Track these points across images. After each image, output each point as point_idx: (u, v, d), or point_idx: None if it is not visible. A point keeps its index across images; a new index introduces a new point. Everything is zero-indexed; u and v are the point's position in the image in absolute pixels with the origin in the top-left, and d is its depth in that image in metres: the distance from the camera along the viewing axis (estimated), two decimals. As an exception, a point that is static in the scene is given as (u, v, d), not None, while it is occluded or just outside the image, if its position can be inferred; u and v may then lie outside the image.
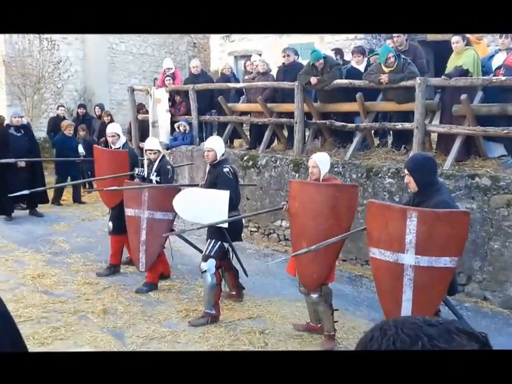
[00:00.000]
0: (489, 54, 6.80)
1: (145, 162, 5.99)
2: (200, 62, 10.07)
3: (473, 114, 5.97)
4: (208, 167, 5.29)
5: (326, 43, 11.92)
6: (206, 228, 5.17)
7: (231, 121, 8.69)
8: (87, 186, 10.02)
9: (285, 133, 8.34)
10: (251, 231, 7.86)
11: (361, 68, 7.58)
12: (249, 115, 8.56)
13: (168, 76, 9.40)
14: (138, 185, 5.83)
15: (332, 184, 4.54)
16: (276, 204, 6.49)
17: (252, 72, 9.02)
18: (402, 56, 6.57)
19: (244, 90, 8.84)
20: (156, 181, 5.76)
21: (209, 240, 5.10)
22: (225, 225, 4.91)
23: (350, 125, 7.15)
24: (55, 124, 10.78)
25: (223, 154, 5.25)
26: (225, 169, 5.05)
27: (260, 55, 9.85)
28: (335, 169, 6.70)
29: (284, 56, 8.13)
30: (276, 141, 8.64)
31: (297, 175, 7.14)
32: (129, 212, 5.70)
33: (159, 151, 5.80)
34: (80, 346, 4.39)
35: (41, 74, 12.66)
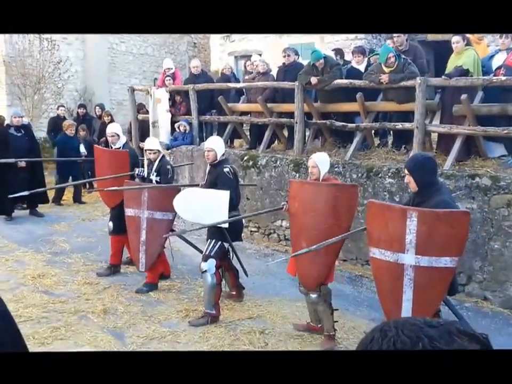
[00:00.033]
0: (489, 54, 6.80)
1: (145, 162, 5.99)
2: (200, 62, 10.07)
3: (473, 114, 5.97)
4: (208, 167, 5.29)
5: (326, 43, 11.92)
6: (206, 228, 5.17)
7: (231, 121, 8.69)
8: (87, 186, 10.03)
9: (285, 133, 8.34)
10: (251, 231, 7.86)
11: (362, 68, 7.59)
12: (249, 115, 8.56)
13: (168, 76, 9.40)
14: (138, 185, 5.83)
15: (331, 184, 4.55)
16: (276, 204, 6.49)
17: (252, 72, 9.02)
18: (403, 56, 6.57)
19: (244, 90, 8.85)
20: (156, 181, 5.76)
21: (209, 240, 5.10)
22: (226, 225, 4.91)
23: (350, 125, 7.15)
24: (55, 124, 10.78)
25: (223, 154, 5.25)
26: (226, 169, 5.05)
27: (260, 55, 9.86)
28: (336, 169, 6.70)
29: (284, 56, 8.14)
30: (276, 141, 8.64)
31: (297, 175, 7.14)
32: (129, 212, 5.70)
33: (158, 151, 5.80)
34: (80, 346, 4.40)
35: (41, 74, 12.67)
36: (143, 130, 9.76)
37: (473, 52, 6.23)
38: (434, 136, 6.96)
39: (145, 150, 5.91)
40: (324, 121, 7.42)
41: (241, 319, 5.05)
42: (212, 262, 4.98)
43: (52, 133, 10.82)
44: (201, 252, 5.46)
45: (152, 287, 5.74)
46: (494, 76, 6.02)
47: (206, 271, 4.97)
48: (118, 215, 6.02)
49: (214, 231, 5.02)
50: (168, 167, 5.83)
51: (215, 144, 5.19)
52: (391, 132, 7.50)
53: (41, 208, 8.80)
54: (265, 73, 8.29)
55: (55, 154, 10.51)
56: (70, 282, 5.89)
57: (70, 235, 7.70)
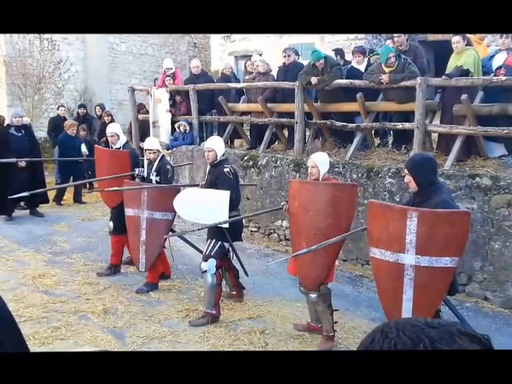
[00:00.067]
0: (489, 54, 6.81)
1: (145, 162, 5.99)
2: (200, 62, 10.07)
3: (473, 114, 5.97)
4: (208, 167, 5.29)
5: (326, 43, 11.92)
6: (206, 228, 5.17)
7: (231, 121, 8.69)
8: (87, 186, 10.03)
9: (285, 133, 8.34)
10: (251, 231, 7.86)
11: (362, 68, 7.58)
12: (249, 115, 8.56)
13: (168, 76, 9.40)
14: (138, 185, 5.83)
15: (331, 184, 4.54)
16: (276, 204, 6.49)
17: (252, 72, 9.02)
18: (403, 56, 6.57)
19: (244, 90, 8.85)
20: (156, 181, 5.76)
21: (209, 240, 5.10)
22: (226, 225, 4.91)
23: (350, 125, 7.15)
24: (55, 124, 10.79)
25: (223, 154, 5.25)
26: (226, 169, 5.05)
27: (261, 55, 9.83)
28: (336, 169, 6.70)
29: (285, 56, 8.13)
30: (276, 141, 8.64)
31: (297, 175, 7.14)
32: (129, 212, 5.71)
33: (158, 150, 5.80)
34: (81, 346, 4.39)
35: (41, 74, 12.67)
36: (143, 130, 9.76)
37: (473, 51, 6.23)
38: (434, 136, 6.96)
39: (145, 150, 5.91)
40: (324, 121, 7.42)
41: (241, 319, 5.05)
42: (212, 262, 4.98)
43: (52, 133, 10.83)
44: (201, 252, 5.46)
45: (152, 287, 5.75)
46: (494, 75, 6.02)
47: (206, 271, 4.97)
48: (118, 215, 6.02)
49: (214, 231, 5.02)
50: (168, 167, 5.83)
51: (215, 144, 5.19)
52: (391, 132, 7.50)
53: (41, 208, 8.81)
54: (265, 73, 8.29)
55: (55, 154, 10.53)
56: (70, 282, 5.89)
57: (70, 235, 7.71)
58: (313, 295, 4.48)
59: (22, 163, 8.16)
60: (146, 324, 4.88)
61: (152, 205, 5.57)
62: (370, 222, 3.95)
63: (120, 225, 5.95)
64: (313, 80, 7.17)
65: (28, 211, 8.71)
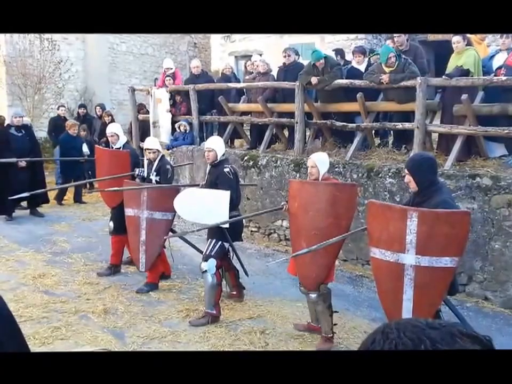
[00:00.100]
0: (489, 54, 6.81)
1: (145, 162, 5.99)
2: (200, 62, 10.07)
3: (474, 114, 5.97)
4: (208, 167, 5.29)
5: (326, 43, 11.92)
6: (207, 228, 5.17)
7: (231, 121, 8.69)
8: (88, 186, 10.03)
9: (286, 133, 8.33)
10: (252, 231, 7.86)
11: (362, 68, 7.58)
12: (249, 115, 8.56)
13: (168, 75, 9.40)
14: (138, 185, 5.83)
15: (331, 184, 4.54)
16: (276, 204, 6.49)
17: (252, 72, 9.02)
18: (403, 56, 6.57)
19: (244, 90, 8.85)
20: (156, 181, 5.76)
21: (209, 240, 5.10)
22: (226, 225, 4.91)
23: (350, 125, 7.15)
24: (55, 124, 10.79)
25: (223, 154, 5.25)
26: (226, 169, 5.05)
27: (261, 55, 9.84)
28: (336, 169, 6.70)
29: (285, 56, 8.13)
30: (276, 141, 8.63)
31: (297, 175, 7.14)
32: (129, 212, 5.71)
33: (158, 150, 5.80)
34: (81, 346, 4.40)
35: (42, 74, 12.67)
36: (144, 130, 9.76)
37: (473, 51, 6.23)
38: (434, 136, 6.96)
39: (145, 150, 5.91)
40: (324, 121, 7.42)
41: (241, 319, 5.05)
42: (212, 262, 4.98)
43: (53, 133, 10.83)
44: (201, 252, 5.46)
45: (152, 287, 5.75)
46: (495, 75, 6.02)
47: (206, 271, 4.97)
48: (118, 215, 6.02)
49: (214, 231, 5.02)
50: (168, 166, 5.83)
51: (216, 144, 5.19)
52: (392, 132, 7.50)
53: (41, 208, 8.81)
54: (265, 73, 8.29)
55: (55, 154, 10.53)
56: (71, 282, 5.90)
57: (70, 235, 7.71)
58: (313, 295, 4.47)
59: (22, 163, 8.16)
60: (146, 324, 4.88)
61: (152, 205, 5.57)
62: (371, 222, 3.95)
63: (120, 225, 5.95)
64: (314, 80, 7.17)
65: (28, 211, 8.71)
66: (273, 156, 7.70)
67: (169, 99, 9.34)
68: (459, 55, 6.28)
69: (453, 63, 6.34)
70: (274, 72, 8.37)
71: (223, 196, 4.85)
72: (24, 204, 8.62)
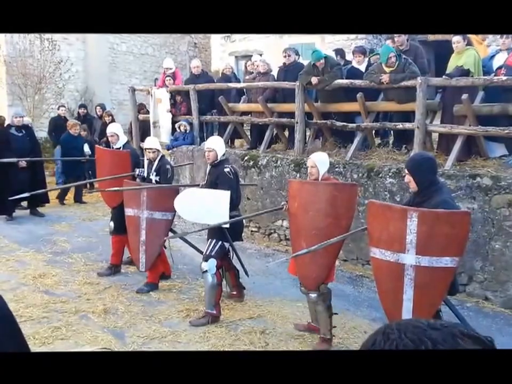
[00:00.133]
0: (490, 54, 6.81)
1: (145, 162, 5.99)
2: (201, 62, 10.07)
3: (474, 114, 5.97)
4: (208, 167, 5.29)
5: (326, 43, 11.92)
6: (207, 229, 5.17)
7: (231, 121, 8.69)
8: (88, 186, 10.03)
9: (286, 133, 8.33)
10: (252, 231, 7.86)
11: (362, 67, 7.59)
12: (250, 115, 8.56)
13: (168, 75, 9.41)
14: (138, 185, 5.83)
15: (330, 184, 4.54)
16: (276, 204, 6.49)
17: (252, 72, 9.02)
18: (403, 56, 6.57)
19: (244, 90, 8.85)
20: (156, 181, 5.77)
21: (209, 240, 5.10)
22: (226, 225, 4.91)
23: (350, 125, 7.15)
24: (56, 124, 10.80)
25: (223, 154, 5.25)
26: (226, 169, 5.05)
27: (261, 55, 9.84)
28: (336, 169, 6.70)
29: (285, 56, 8.13)
30: (277, 141, 8.63)
31: (298, 175, 7.14)
32: (129, 212, 5.71)
33: (158, 150, 5.80)
34: (81, 346, 4.40)
35: (42, 74, 12.67)
36: (144, 130, 9.76)
37: (473, 51, 6.23)
38: (435, 136, 6.96)
39: (145, 149, 5.92)
40: (325, 121, 7.41)
41: (241, 319, 5.05)
42: (213, 262, 4.98)
43: (53, 133, 10.83)
44: (201, 252, 5.46)
45: (152, 287, 5.75)
46: (495, 75, 6.02)
47: (206, 271, 4.97)
48: (118, 215, 6.02)
49: (215, 231, 5.02)
50: (168, 166, 5.83)
51: (216, 144, 5.19)
52: (392, 132, 7.50)
53: (42, 208, 8.81)
54: (265, 73, 8.29)
55: (55, 154, 10.54)
56: (71, 282, 5.90)
57: (70, 235, 7.71)
58: (313, 295, 4.47)
59: (23, 163, 8.16)
60: (146, 324, 4.88)
61: (152, 205, 5.57)
62: (371, 222, 3.95)
63: (120, 225, 5.96)
64: (314, 80, 7.17)
65: (28, 211, 8.71)
66: (273, 156, 7.71)
67: (170, 99, 9.35)
68: (459, 55, 6.28)
69: (453, 63, 6.34)
70: (275, 72, 8.37)
71: (223, 196, 4.85)
72: (24, 203, 8.62)
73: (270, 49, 11.85)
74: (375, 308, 4.95)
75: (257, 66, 8.60)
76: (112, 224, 6.24)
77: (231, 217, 4.91)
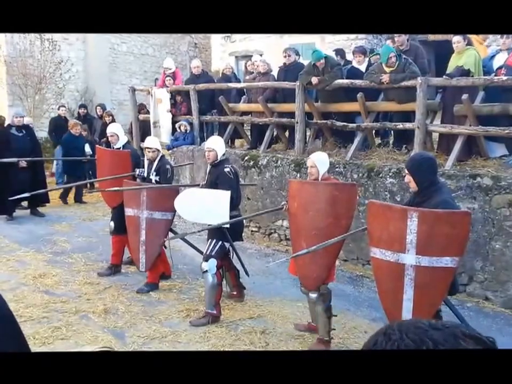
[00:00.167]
0: (490, 54, 6.81)
1: (146, 162, 6.00)
2: (201, 62, 10.07)
3: (474, 114, 5.97)
4: (209, 167, 5.29)
5: (327, 43, 11.92)
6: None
7: (232, 121, 8.69)
8: (88, 186, 10.03)
9: (286, 133, 8.33)
10: (252, 231, 7.86)
11: (362, 67, 7.59)
12: (250, 115, 8.56)
13: (168, 76, 9.41)
14: (138, 185, 5.83)
15: (330, 183, 4.53)
16: (277, 204, 6.49)
17: (252, 72, 9.02)
18: (404, 56, 6.57)
19: (244, 90, 8.85)
20: (155, 181, 5.77)
21: (210, 239, 5.10)
22: (227, 225, 4.91)
23: (351, 125, 7.15)
24: (56, 124, 10.80)
25: (224, 154, 5.25)
26: (226, 169, 5.05)
27: (261, 55, 9.84)
28: (336, 169, 6.70)
29: (285, 56, 8.13)
30: (277, 141, 8.63)
31: (298, 175, 7.14)
32: (128, 212, 5.71)
33: (157, 150, 5.80)
34: (81, 346, 4.40)
35: (42, 74, 12.68)
36: (144, 130, 9.76)
37: (474, 51, 6.23)
38: (435, 136, 6.96)
39: (145, 148, 5.92)
40: (325, 121, 7.41)
41: (242, 319, 5.05)
42: (213, 262, 4.98)
43: (53, 133, 10.84)
44: (201, 253, 5.46)
45: (153, 287, 5.75)
46: (495, 75, 6.02)
47: (207, 271, 4.97)
48: (119, 215, 6.02)
49: (215, 231, 5.02)
50: (168, 166, 5.83)
51: (216, 144, 5.19)
52: (392, 132, 7.50)
53: (42, 208, 8.81)
54: (266, 73, 8.29)
55: (55, 154, 10.54)
56: (71, 282, 5.90)
57: (71, 235, 7.71)
58: (313, 295, 4.46)
59: (23, 163, 8.16)
60: (147, 324, 4.88)
61: (152, 205, 5.57)
62: (371, 222, 3.95)
63: (121, 225, 5.96)
64: (314, 80, 7.17)
65: (28, 211, 8.71)
66: (273, 155, 7.70)
67: (170, 99, 9.35)
68: (459, 55, 6.28)
69: (453, 63, 6.33)
70: (275, 72, 8.37)
71: (224, 196, 4.85)
72: (24, 203, 8.63)
73: (270, 49, 11.85)
74: (375, 307, 4.95)
75: (258, 66, 8.60)
76: (112, 224, 6.25)
77: (231, 217, 4.91)
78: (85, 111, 11.60)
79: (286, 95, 7.92)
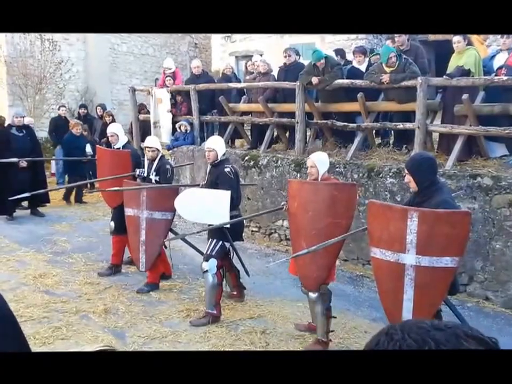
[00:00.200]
0: (490, 54, 6.80)
1: (146, 162, 6.00)
2: (201, 62, 10.07)
3: (474, 114, 5.97)
4: (209, 167, 5.30)
5: (327, 43, 11.92)
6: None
7: (232, 121, 8.69)
8: (89, 186, 10.03)
9: (286, 133, 8.33)
10: (252, 231, 7.86)
11: (363, 67, 7.58)
12: (250, 115, 8.56)
13: (168, 76, 9.41)
14: (138, 185, 5.83)
15: (330, 183, 4.53)
16: (277, 204, 6.48)
17: (253, 72, 9.02)
18: (404, 56, 6.57)
19: (245, 90, 8.85)
20: (155, 181, 5.77)
21: (210, 239, 5.10)
22: (227, 225, 4.91)
23: (351, 124, 7.15)
24: (56, 124, 10.81)
25: (224, 154, 5.25)
26: (226, 169, 5.05)
27: (261, 55, 9.84)
28: (337, 169, 6.70)
29: (285, 56, 8.13)
30: (277, 141, 8.63)
31: (298, 175, 7.14)
32: (128, 211, 5.71)
33: (157, 149, 5.80)
34: (82, 346, 4.40)
35: (42, 74, 12.69)
36: (144, 130, 9.76)
37: (474, 51, 6.23)
38: (435, 136, 6.96)
39: (145, 148, 5.93)
40: (325, 121, 7.41)
41: (242, 319, 5.05)
42: (213, 262, 4.98)
43: (53, 133, 10.84)
44: (201, 253, 5.46)
45: (153, 287, 5.75)
46: (496, 75, 6.02)
47: (207, 271, 4.97)
48: (119, 215, 6.02)
49: (215, 231, 5.02)
50: (167, 166, 5.83)
51: (216, 144, 5.19)
52: (392, 132, 7.50)
53: (42, 208, 8.82)
54: (266, 73, 8.29)
55: (55, 154, 10.54)
56: (71, 282, 5.90)
57: (71, 235, 7.71)
58: (313, 295, 4.46)
59: (23, 163, 8.17)
60: (147, 324, 4.88)
61: (152, 205, 5.57)
62: (371, 222, 3.95)
63: (121, 225, 5.96)
64: (314, 80, 7.17)
65: (29, 211, 8.72)
66: (274, 155, 7.71)
67: (170, 99, 9.35)
68: (460, 55, 6.28)
69: (453, 63, 6.33)
70: (275, 72, 8.37)
71: (224, 196, 4.85)
72: (25, 203, 8.63)
73: (270, 49, 11.85)
74: (376, 307, 4.95)
75: (258, 66, 8.60)
76: (112, 224, 6.25)
77: (231, 217, 4.91)
78: (85, 111, 11.60)
79: (286, 95, 7.92)
